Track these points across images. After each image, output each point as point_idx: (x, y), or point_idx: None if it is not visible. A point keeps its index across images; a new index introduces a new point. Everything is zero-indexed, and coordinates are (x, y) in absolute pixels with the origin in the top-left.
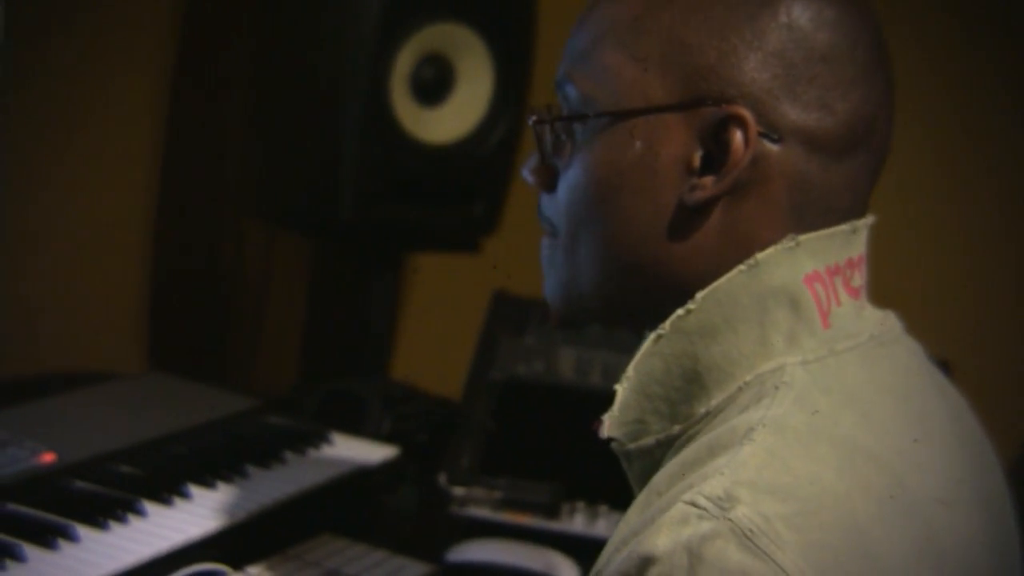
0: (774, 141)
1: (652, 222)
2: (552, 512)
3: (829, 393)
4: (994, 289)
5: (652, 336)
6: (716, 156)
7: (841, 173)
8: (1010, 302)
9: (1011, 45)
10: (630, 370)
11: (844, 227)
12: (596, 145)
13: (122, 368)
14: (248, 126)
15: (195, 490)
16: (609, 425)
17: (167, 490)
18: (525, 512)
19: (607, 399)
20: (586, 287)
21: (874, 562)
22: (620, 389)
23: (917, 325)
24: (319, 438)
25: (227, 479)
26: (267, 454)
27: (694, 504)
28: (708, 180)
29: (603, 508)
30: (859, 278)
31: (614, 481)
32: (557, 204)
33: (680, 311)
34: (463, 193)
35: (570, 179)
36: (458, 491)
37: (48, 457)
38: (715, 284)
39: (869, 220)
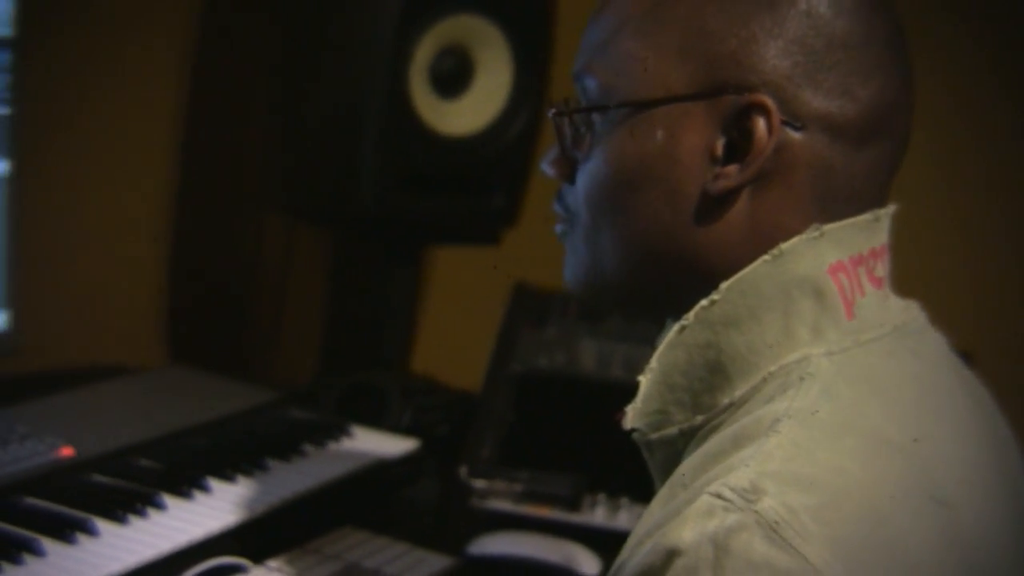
0: (797, 129)
1: (675, 212)
2: (573, 504)
3: (854, 384)
4: (1018, 280)
5: (676, 327)
6: (739, 145)
7: (864, 161)
8: None
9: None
10: (654, 361)
11: (867, 216)
12: (617, 136)
13: (141, 361)
14: (268, 119)
15: (215, 483)
16: (632, 416)
17: (186, 484)
18: (546, 505)
19: (628, 391)
20: (609, 276)
21: (900, 553)
22: (643, 380)
23: (940, 316)
24: (339, 431)
25: (247, 472)
26: (287, 447)
27: (719, 496)
28: (732, 169)
29: (624, 500)
30: (882, 268)
31: (635, 473)
32: (577, 195)
33: (704, 301)
34: (483, 185)
35: (591, 170)
36: (479, 484)
37: (67, 451)
38: (739, 274)
39: (891, 209)
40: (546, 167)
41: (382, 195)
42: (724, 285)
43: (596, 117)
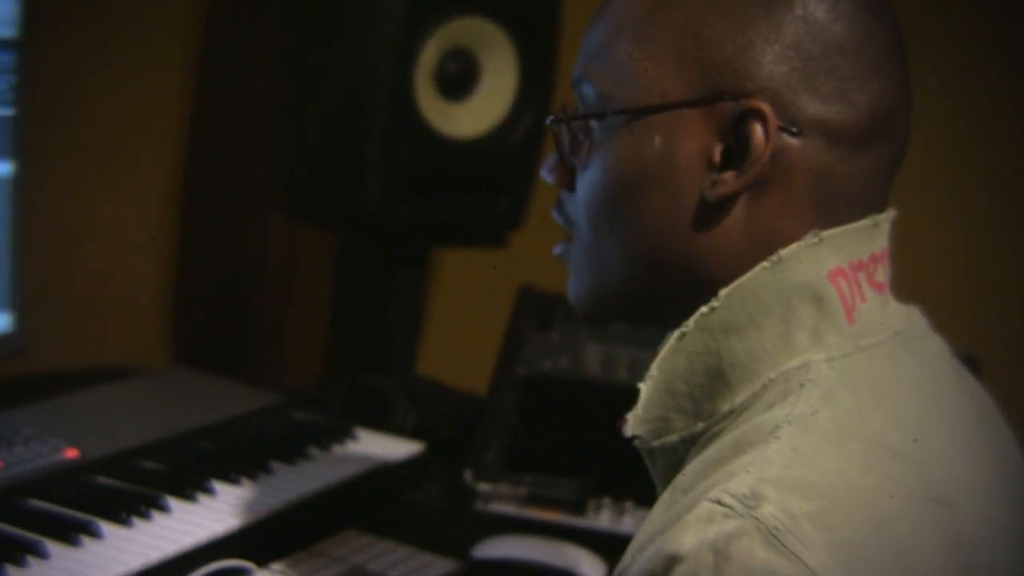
0: (794, 135)
1: (673, 219)
2: (578, 508)
3: (855, 390)
4: (1020, 285)
5: (676, 334)
6: (736, 151)
7: (863, 166)
8: None
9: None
10: (654, 368)
11: (866, 222)
12: (614, 143)
13: (146, 364)
14: (273, 121)
15: (219, 486)
16: (633, 423)
17: (191, 486)
18: (551, 508)
19: (633, 395)
20: (611, 286)
21: (902, 559)
22: (644, 387)
23: (942, 321)
24: (344, 434)
25: (251, 475)
26: (292, 450)
27: (720, 502)
28: (729, 175)
29: (629, 504)
30: (883, 273)
31: (640, 478)
32: (577, 203)
33: (704, 308)
34: (488, 188)
35: (589, 178)
36: (484, 487)
37: (72, 453)
38: (739, 281)
39: (891, 214)
40: (546, 175)
41: (387, 197)
42: (723, 292)
43: (594, 124)
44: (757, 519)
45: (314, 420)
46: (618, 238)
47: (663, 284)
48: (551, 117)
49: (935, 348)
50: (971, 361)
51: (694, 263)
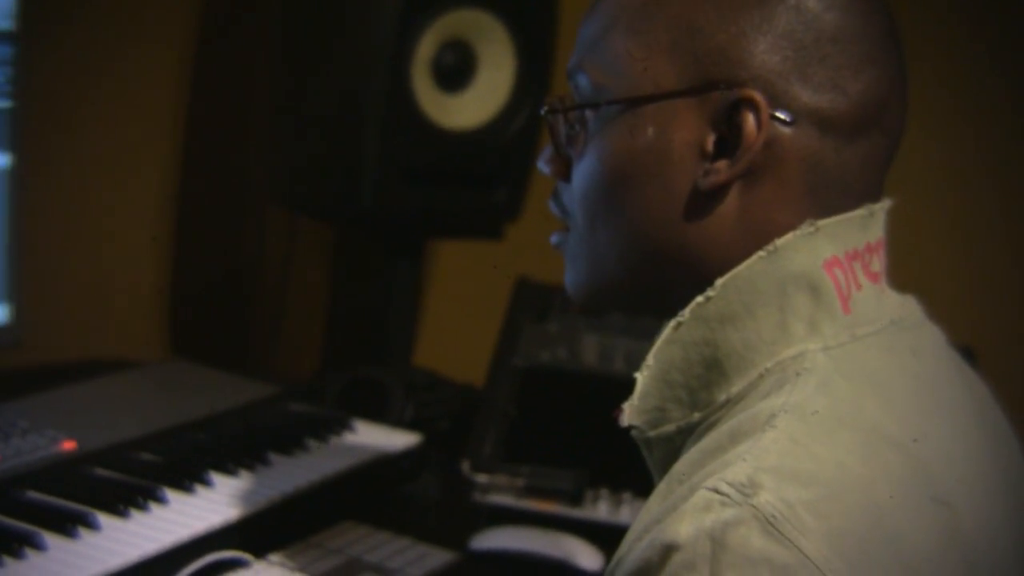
0: (787, 123)
1: (667, 209)
2: (575, 499)
3: (851, 379)
4: (1017, 275)
5: (671, 324)
6: (729, 140)
7: (856, 155)
8: None
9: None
10: (650, 358)
11: (861, 211)
12: (609, 134)
13: (143, 356)
14: (270, 113)
15: (216, 478)
16: (629, 413)
17: (188, 478)
18: (548, 499)
19: (630, 386)
20: (607, 275)
21: (898, 548)
22: (640, 377)
23: (939, 311)
24: (341, 425)
25: (249, 467)
26: (289, 442)
27: (716, 491)
28: (722, 165)
29: (627, 495)
30: (878, 263)
31: (638, 468)
32: (572, 193)
33: (699, 298)
34: (485, 179)
35: (584, 168)
36: (481, 478)
37: (69, 445)
38: (735, 271)
39: (886, 204)
40: (542, 166)
41: (384, 189)
42: (719, 281)
43: (589, 115)
44: (754, 507)
45: (311, 412)
46: (613, 228)
47: (657, 273)
48: (546, 108)
49: (932, 337)
50: (968, 352)
51: (688, 252)
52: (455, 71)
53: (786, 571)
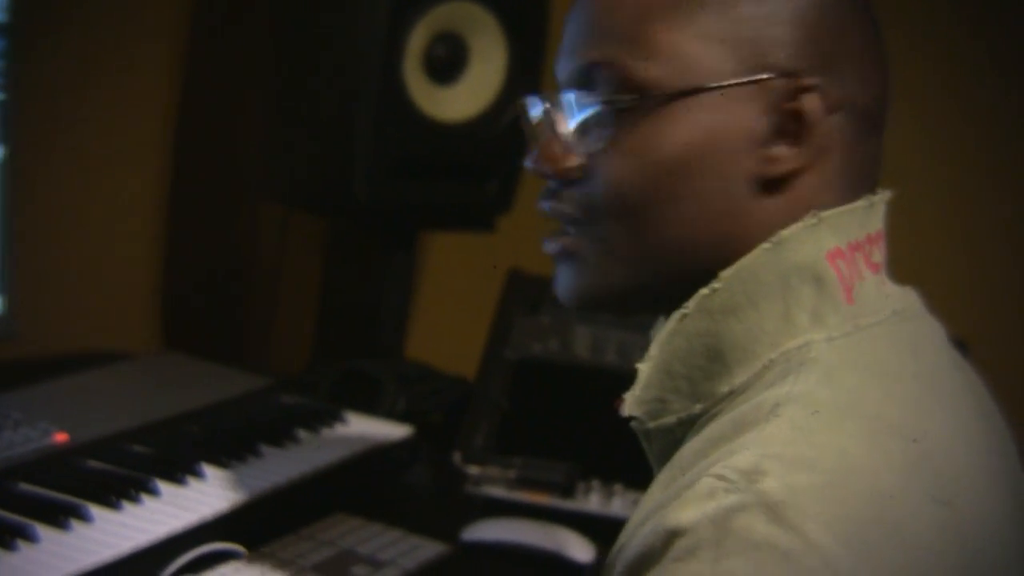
0: (833, 112)
1: (725, 200)
2: (567, 491)
3: (855, 368)
4: (1013, 268)
5: (676, 315)
6: (786, 129)
7: (871, 147)
8: None
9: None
10: (653, 349)
11: (862, 202)
12: (653, 127)
13: (136, 348)
14: (262, 106)
15: (208, 470)
16: (630, 403)
17: (180, 470)
18: (540, 491)
19: (622, 377)
20: (621, 276)
21: (900, 535)
22: (643, 368)
23: (935, 304)
24: (333, 417)
25: (241, 459)
26: (281, 433)
27: (721, 477)
28: (784, 152)
29: (618, 487)
30: (879, 254)
31: (629, 460)
32: (590, 194)
33: (704, 290)
34: (477, 172)
35: (620, 165)
36: (473, 470)
37: (61, 437)
38: (740, 263)
39: (886, 195)
40: (540, 166)
41: (376, 182)
42: (725, 273)
43: (622, 111)
44: (758, 493)
45: (304, 404)
46: (654, 225)
47: (689, 269)
48: (543, 104)
49: (931, 329)
50: (961, 344)
51: (734, 244)
52: (447, 63)
53: (789, 556)
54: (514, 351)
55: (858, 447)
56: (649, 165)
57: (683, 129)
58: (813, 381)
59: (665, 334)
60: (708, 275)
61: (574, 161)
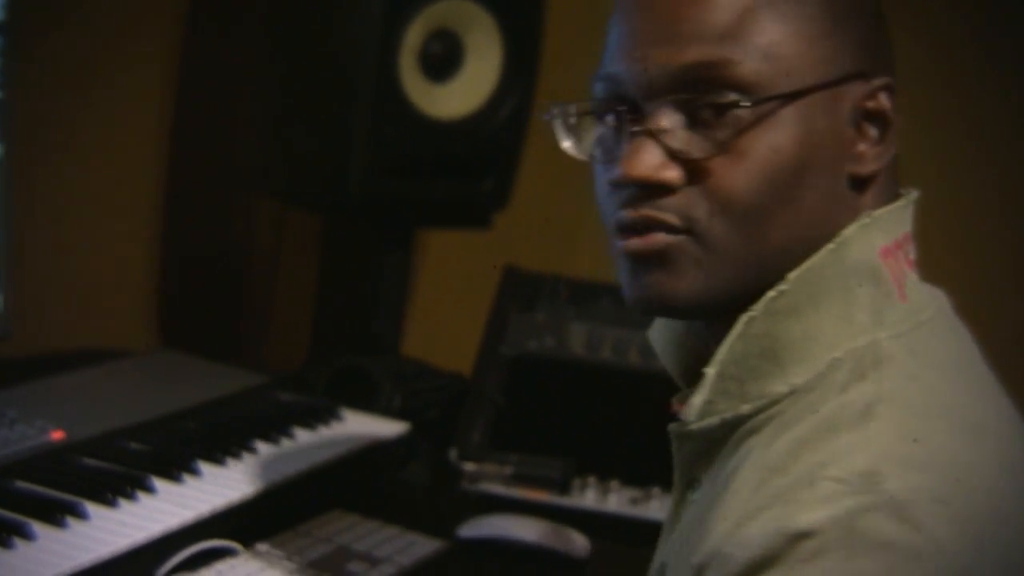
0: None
1: (828, 202)
2: (563, 487)
3: (929, 365)
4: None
5: (744, 319)
6: (869, 129)
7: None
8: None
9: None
10: (721, 352)
11: (902, 201)
12: (778, 125)
13: (132, 345)
14: (258, 103)
15: (205, 467)
16: (697, 407)
17: (177, 467)
18: (536, 487)
19: (617, 374)
20: (723, 281)
21: (1013, 529)
22: (710, 371)
23: None
24: (330, 414)
25: (237, 456)
26: (277, 431)
27: (839, 480)
28: (870, 152)
29: (614, 483)
30: (913, 252)
31: (625, 457)
32: (699, 201)
33: (772, 293)
34: (473, 169)
35: (734, 170)
36: (469, 467)
37: (57, 434)
38: (806, 264)
39: (915, 194)
40: (657, 171)
41: (372, 179)
42: (792, 275)
43: (742, 111)
44: (883, 494)
45: (300, 401)
46: (767, 229)
47: (784, 271)
48: (620, 109)
49: (963, 327)
50: None
51: (822, 243)
52: (442, 60)
53: (918, 556)
54: (510, 348)
55: (958, 445)
56: (766, 168)
57: (793, 131)
58: (898, 380)
59: (732, 338)
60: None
61: (675, 168)
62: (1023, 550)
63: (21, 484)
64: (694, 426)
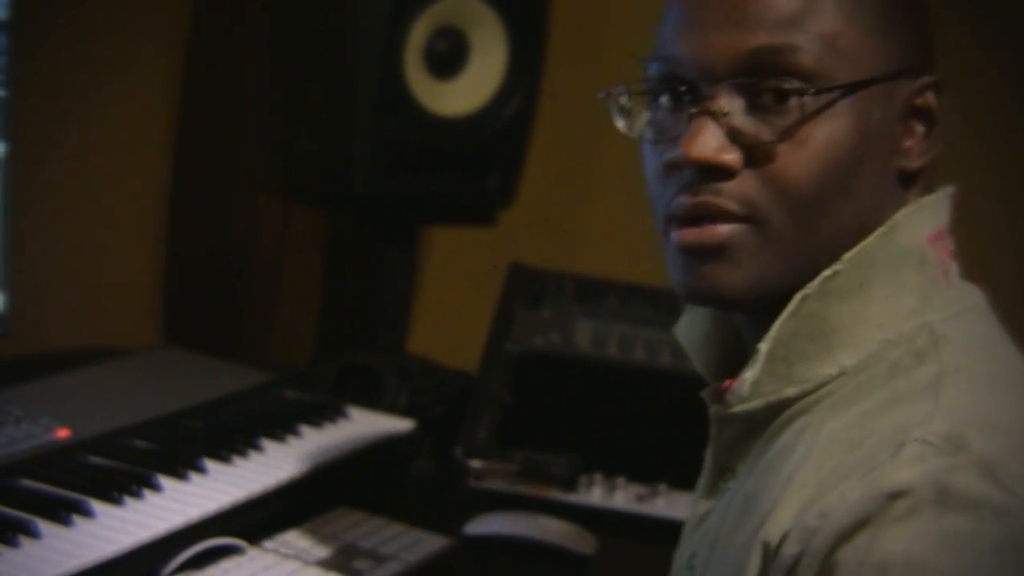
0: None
1: (879, 194)
2: (569, 484)
3: (982, 342)
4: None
5: (798, 296)
6: (912, 124)
7: None
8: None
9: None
10: (774, 330)
11: (941, 193)
12: (829, 119)
13: (137, 343)
14: (263, 100)
15: (211, 465)
16: (750, 385)
17: (183, 465)
18: (542, 484)
19: (623, 371)
20: (779, 271)
21: None
22: (763, 348)
23: None
24: (335, 412)
25: (243, 454)
26: (283, 428)
27: (926, 442)
28: (917, 147)
29: (621, 480)
30: (951, 243)
31: (632, 454)
32: (759, 187)
33: (827, 272)
34: (478, 166)
35: (796, 158)
36: (475, 464)
37: (63, 433)
38: (861, 245)
39: (951, 188)
40: (719, 154)
41: (377, 176)
42: (847, 256)
43: (807, 99)
44: (971, 454)
45: (305, 398)
46: (825, 219)
47: (835, 259)
48: (679, 89)
49: (998, 323)
50: None
51: (868, 235)
52: (447, 58)
53: (1008, 513)
54: (515, 344)
55: None
56: (825, 157)
57: (851, 121)
58: (957, 355)
59: (785, 316)
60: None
61: (735, 152)
62: None
63: (26, 482)
64: (737, 408)
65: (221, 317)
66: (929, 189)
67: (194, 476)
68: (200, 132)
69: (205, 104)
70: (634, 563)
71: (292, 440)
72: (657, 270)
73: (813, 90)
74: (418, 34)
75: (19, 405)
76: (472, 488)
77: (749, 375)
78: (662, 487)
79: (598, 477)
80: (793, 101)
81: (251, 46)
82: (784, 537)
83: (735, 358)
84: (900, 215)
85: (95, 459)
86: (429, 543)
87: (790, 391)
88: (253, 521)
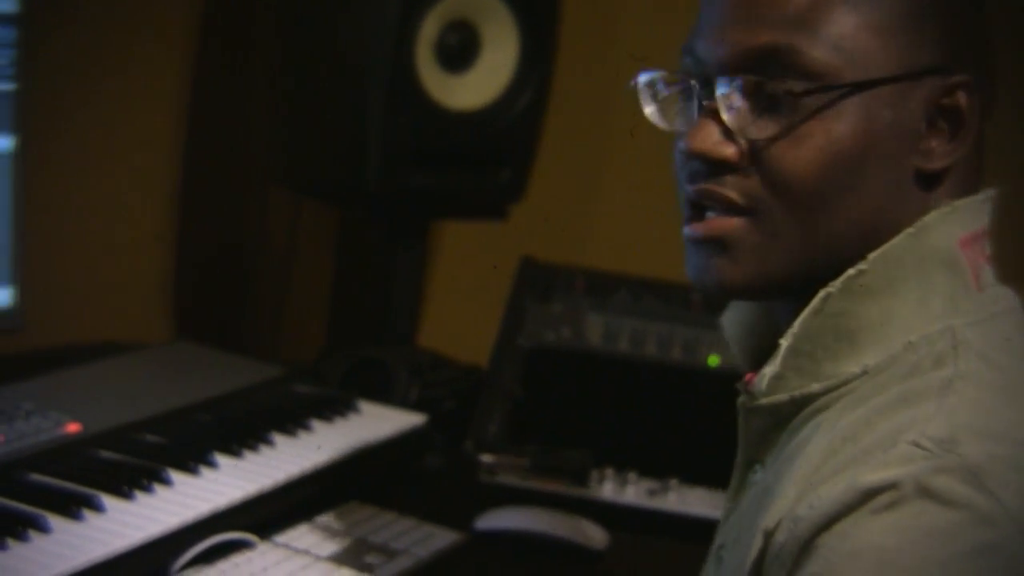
0: (978, 108)
1: (888, 193)
2: (581, 479)
3: (1002, 349)
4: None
5: (821, 294)
6: (942, 125)
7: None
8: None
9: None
10: (796, 326)
11: (981, 196)
12: (840, 114)
13: (147, 337)
14: (273, 94)
15: (221, 459)
16: (770, 379)
17: (193, 459)
18: (554, 479)
19: (634, 365)
20: (779, 265)
21: None
22: (784, 343)
23: None
24: (346, 406)
25: (253, 448)
26: (294, 422)
27: (917, 444)
28: (941, 148)
29: (632, 475)
30: (989, 247)
31: (643, 448)
32: (759, 182)
33: (851, 271)
34: (490, 160)
35: (796, 155)
36: (486, 458)
37: (73, 427)
38: (886, 246)
39: (993, 191)
40: (713, 146)
41: (388, 170)
42: (872, 256)
43: (811, 98)
44: (959, 458)
45: (316, 393)
46: (825, 216)
47: (841, 258)
48: (690, 84)
49: None
50: None
51: (883, 237)
52: (459, 52)
53: (989, 520)
54: (527, 339)
55: None
56: (825, 155)
57: (854, 121)
58: (973, 361)
59: (808, 313)
60: (855, 263)
61: (735, 146)
62: None
63: (36, 477)
64: (763, 401)
65: (232, 311)
66: (969, 190)
67: (204, 470)
68: (211, 126)
69: (216, 98)
70: (646, 558)
71: (303, 434)
72: (668, 264)
73: (816, 89)
74: (429, 28)
75: (29, 400)
76: (483, 483)
77: (769, 370)
78: (673, 482)
79: (609, 472)
80: (794, 100)
81: (262, 39)
82: (778, 525)
83: (774, 346)
84: (931, 217)
85: (105, 453)
86: (440, 538)
87: (815, 386)
88: (263, 515)
